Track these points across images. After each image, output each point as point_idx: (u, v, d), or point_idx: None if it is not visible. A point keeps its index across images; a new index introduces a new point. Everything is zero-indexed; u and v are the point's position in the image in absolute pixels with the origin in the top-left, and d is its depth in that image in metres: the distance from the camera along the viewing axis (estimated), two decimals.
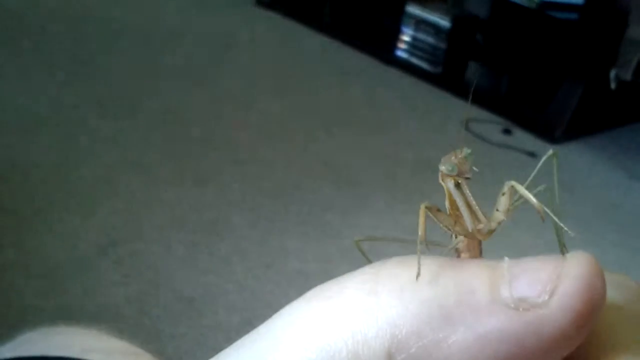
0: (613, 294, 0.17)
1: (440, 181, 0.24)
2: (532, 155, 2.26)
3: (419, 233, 0.21)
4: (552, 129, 2.43)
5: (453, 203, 0.24)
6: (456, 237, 0.25)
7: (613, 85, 2.38)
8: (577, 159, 2.35)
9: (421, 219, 0.23)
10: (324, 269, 1.52)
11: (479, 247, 0.25)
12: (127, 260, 1.48)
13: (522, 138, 2.40)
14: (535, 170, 0.25)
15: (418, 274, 0.17)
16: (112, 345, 0.51)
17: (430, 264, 0.17)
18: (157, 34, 2.70)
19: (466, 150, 0.24)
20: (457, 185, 0.24)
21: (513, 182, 0.23)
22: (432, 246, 0.22)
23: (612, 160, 2.42)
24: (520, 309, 0.15)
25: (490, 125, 2.43)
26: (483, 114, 2.46)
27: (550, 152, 0.26)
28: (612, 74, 2.37)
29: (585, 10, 2.35)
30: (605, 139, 2.57)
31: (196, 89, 2.33)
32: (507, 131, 2.44)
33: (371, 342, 0.16)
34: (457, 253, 0.25)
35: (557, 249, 0.24)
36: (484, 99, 2.49)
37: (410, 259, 0.18)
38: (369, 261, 0.22)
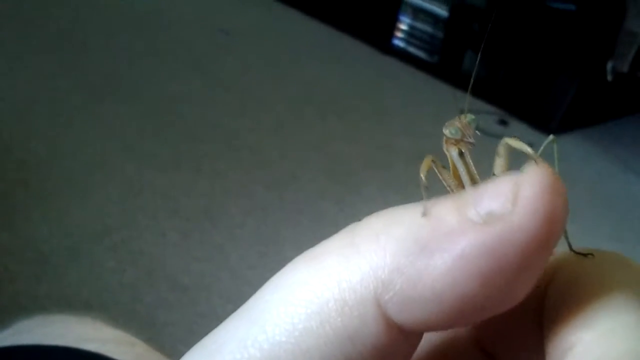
0: (608, 269, 0.18)
1: (444, 149, 0.25)
2: (529, 145, 2.27)
3: (421, 177, 0.22)
4: (548, 120, 2.43)
5: (455, 173, 0.24)
6: None
7: (610, 77, 2.38)
8: (573, 151, 2.36)
9: (424, 166, 0.23)
10: None
11: None
12: (121, 248, 1.47)
13: (518, 129, 2.40)
14: (538, 153, 0.26)
15: (424, 214, 0.18)
16: (106, 335, 0.51)
17: (402, 210, 0.18)
18: (154, 20, 2.68)
19: (470, 116, 0.25)
20: (460, 154, 0.24)
21: (507, 139, 0.23)
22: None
23: (608, 152, 2.42)
24: (490, 223, 0.16)
25: (486, 116, 2.43)
26: (479, 104, 2.46)
27: (551, 137, 0.27)
28: (609, 65, 2.36)
29: (583, 1, 2.35)
30: (601, 130, 2.58)
31: (192, 76, 2.32)
32: (503, 122, 2.44)
33: (357, 287, 0.16)
34: None
35: None
36: (480, 90, 2.49)
37: (383, 212, 0.18)
38: None
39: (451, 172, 0.25)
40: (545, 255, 0.16)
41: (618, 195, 2.18)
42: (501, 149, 0.24)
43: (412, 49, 2.75)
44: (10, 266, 1.37)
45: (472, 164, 0.24)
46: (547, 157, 0.27)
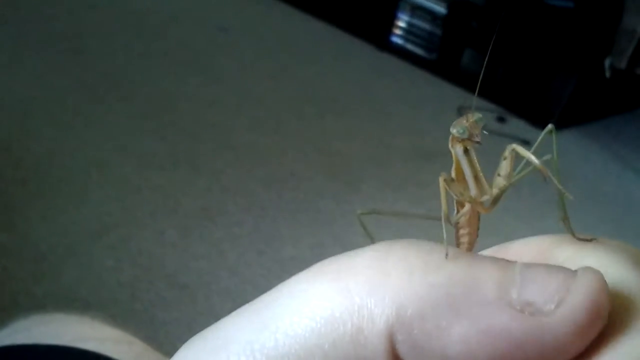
0: (615, 258, 0.18)
1: (450, 147, 0.25)
2: (527, 143, 2.27)
3: (442, 207, 0.22)
4: (546, 117, 2.43)
5: (459, 171, 0.25)
6: (458, 212, 0.26)
7: (608, 74, 2.38)
8: (571, 148, 2.36)
9: (442, 193, 0.23)
10: (317, 255, 1.52)
11: (477, 223, 0.25)
12: (120, 246, 1.47)
13: (516, 126, 2.40)
14: (537, 143, 0.26)
15: (447, 255, 0.17)
16: (105, 334, 0.51)
17: (442, 251, 0.17)
18: (151, 19, 2.68)
19: (477, 115, 0.25)
20: (466, 152, 0.25)
21: (514, 145, 0.24)
22: (432, 220, 0.22)
23: (606, 149, 2.42)
24: (526, 313, 0.15)
25: (484, 113, 2.42)
26: (477, 101, 2.46)
27: (550, 126, 0.27)
28: (607, 62, 2.36)
29: None
30: (599, 127, 2.58)
31: (190, 75, 2.32)
32: (501, 119, 2.43)
33: (376, 319, 0.16)
34: (457, 228, 0.26)
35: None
36: (478, 87, 2.48)
37: (422, 242, 0.18)
38: (370, 237, 0.22)
39: (454, 169, 0.25)
40: (568, 356, 0.16)
41: (616, 192, 2.18)
42: (507, 153, 0.24)
43: (410, 46, 2.75)
44: (8, 265, 1.37)
45: (476, 161, 0.24)
46: (545, 147, 0.27)
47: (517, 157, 0.25)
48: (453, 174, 0.25)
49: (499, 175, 0.24)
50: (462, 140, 0.25)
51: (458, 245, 0.27)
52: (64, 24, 2.45)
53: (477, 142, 0.24)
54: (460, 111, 2.37)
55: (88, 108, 1.98)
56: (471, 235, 0.26)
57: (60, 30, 2.40)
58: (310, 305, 0.17)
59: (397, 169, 2.01)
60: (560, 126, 2.44)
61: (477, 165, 0.24)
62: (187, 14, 2.82)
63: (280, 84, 2.41)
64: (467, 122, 0.25)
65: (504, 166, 0.24)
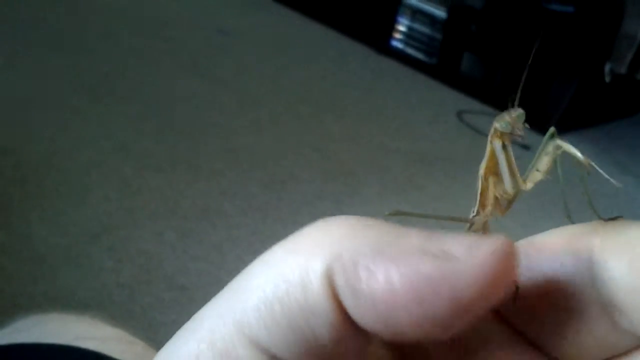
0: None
1: (489, 141, 0.26)
2: (526, 147, 2.26)
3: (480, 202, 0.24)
4: (546, 121, 2.42)
5: (492, 164, 0.26)
6: (478, 214, 0.26)
7: (607, 79, 2.38)
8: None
9: (481, 188, 0.25)
10: None
11: (488, 225, 0.27)
12: (119, 247, 1.47)
13: None
14: (541, 148, 0.27)
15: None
16: (105, 333, 0.51)
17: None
18: (151, 21, 2.68)
19: (519, 110, 0.27)
20: (504, 147, 0.26)
21: (558, 141, 0.25)
22: (458, 222, 0.23)
23: (606, 154, 2.43)
24: (442, 259, 0.18)
25: (484, 116, 2.43)
26: (476, 105, 2.46)
27: (551, 129, 0.28)
28: (607, 67, 2.37)
29: (582, 3, 2.35)
30: (599, 132, 2.58)
31: (190, 76, 2.32)
32: None
33: (317, 267, 0.18)
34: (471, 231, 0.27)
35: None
36: (478, 91, 2.49)
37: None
38: None
39: (486, 165, 0.26)
40: (478, 308, 0.18)
41: (616, 197, 2.18)
42: (551, 149, 0.25)
43: (410, 50, 2.75)
44: (7, 266, 1.37)
45: (513, 157, 0.26)
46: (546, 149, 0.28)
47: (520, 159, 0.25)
48: (481, 171, 0.27)
49: (537, 170, 0.26)
50: (502, 135, 0.26)
51: None
52: (63, 25, 2.46)
53: (520, 137, 0.26)
54: (460, 115, 2.37)
55: (87, 109, 1.98)
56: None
57: (60, 30, 2.40)
58: (270, 268, 0.19)
59: (397, 172, 2.01)
60: (559, 131, 2.43)
61: (514, 160, 0.26)
62: (186, 16, 2.82)
63: (279, 87, 2.41)
64: (510, 117, 0.26)
65: (545, 161, 0.25)
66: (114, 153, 1.80)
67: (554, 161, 0.25)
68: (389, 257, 0.18)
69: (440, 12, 2.64)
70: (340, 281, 0.18)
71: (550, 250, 0.21)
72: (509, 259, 0.18)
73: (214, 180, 1.77)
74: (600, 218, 0.22)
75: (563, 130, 2.48)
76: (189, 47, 2.56)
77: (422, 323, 0.18)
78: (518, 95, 0.28)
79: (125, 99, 2.07)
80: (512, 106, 0.27)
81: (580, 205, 0.24)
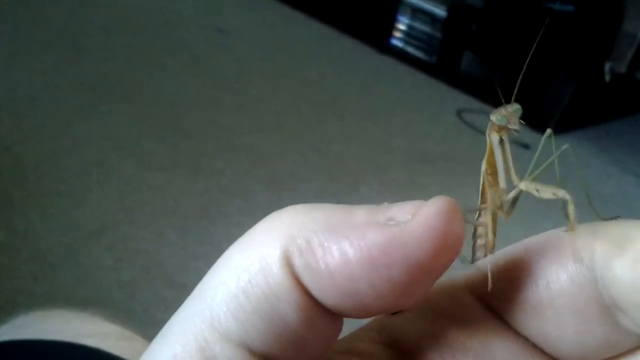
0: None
1: (487, 136, 0.27)
2: (526, 146, 2.27)
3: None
4: (546, 120, 2.43)
5: (491, 159, 0.26)
6: (480, 215, 0.27)
7: (607, 78, 2.38)
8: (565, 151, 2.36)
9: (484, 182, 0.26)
10: None
11: (495, 227, 0.27)
12: (119, 246, 1.47)
13: None
14: (539, 149, 0.28)
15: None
16: (106, 330, 0.51)
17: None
18: (153, 19, 2.68)
19: (515, 105, 0.27)
20: (501, 142, 0.26)
21: (567, 196, 0.25)
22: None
23: (605, 154, 2.43)
24: (389, 225, 0.19)
25: (484, 115, 2.43)
26: (476, 104, 2.46)
27: (548, 131, 0.29)
28: (607, 66, 2.37)
29: (582, 2, 2.35)
30: (598, 132, 2.58)
31: (190, 76, 2.32)
32: None
33: (273, 252, 0.19)
34: (474, 239, 0.27)
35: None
36: (478, 90, 2.49)
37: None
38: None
39: (486, 158, 0.27)
40: (430, 268, 0.19)
41: (616, 196, 2.18)
42: (559, 193, 0.25)
43: (410, 49, 2.75)
44: (7, 264, 1.37)
45: (509, 152, 0.26)
46: (546, 151, 0.28)
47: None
48: (484, 167, 0.27)
49: (536, 190, 0.26)
50: (499, 130, 0.26)
51: (475, 252, 0.27)
52: (64, 24, 2.45)
53: (515, 131, 0.27)
54: (460, 114, 2.37)
55: (88, 108, 1.98)
56: (490, 240, 0.26)
57: (61, 30, 2.40)
58: (231, 264, 0.20)
59: (397, 171, 2.01)
60: (559, 130, 2.44)
61: (510, 156, 0.26)
62: (186, 16, 2.82)
63: (280, 85, 2.41)
64: (506, 111, 0.27)
65: (546, 190, 0.26)
66: (115, 152, 1.80)
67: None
68: (340, 233, 0.19)
69: (440, 11, 2.64)
70: (298, 263, 0.19)
71: (551, 251, 0.21)
72: (451, 215, 0.19)
73: (214, 179, 1.77)
74: (600, 218, 0.22)
75: (563, 130, 2.49)
76: (189, 46, 2.56)
77: (382, 291, 0.19)
78: (515, 91, 0.28)
79: (125, 98, 2.07)
80: (509, 101, 0.27)
81: (578, 206, 0.24)
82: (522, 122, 0.27)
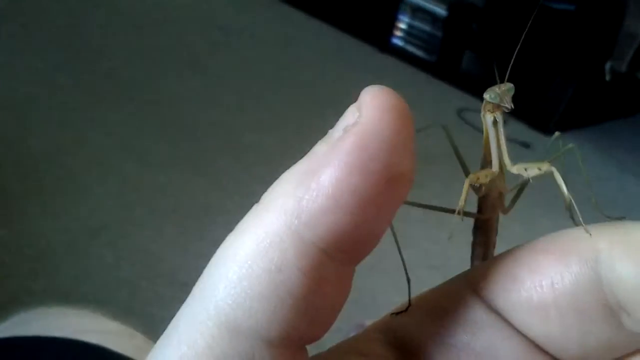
0: None
1: (482, 116, 0.27)
2: (526, 146, 2.27)
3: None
4: (546, 120, 2.43)
5: (487, 140, 0.27)
6: (480, 210, 0.27)
7: (608, 77, 2.38)
8: (571, 151, 2.35)
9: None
10: None
11: (495, 225, 0.27)
12: (119, 244, 1.48)
13: (516, 128, 2.40)
14: (554, 156, 0.28)
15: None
16: (106, 327, 0.51)
17: None
18: (153, 18, 2.68)
19: (509, 85, 0.27)
20: (495, 123, 0.26)
21: (554, 170, 0.25)
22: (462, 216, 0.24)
23: (605, 153, 2.43)
24: (347, 131, 0.20)
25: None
26: (477, 103, 2.46)
27: (556, 134, 0.29)
28: (608, 66, 2.37)
29: (583, 1, 2.35)
30: (598, 131, 2.58)
31: (191, 74, 2.32)
32: None
33: (276, 224, 0.20)
34: (475, 236, 0.27)
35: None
36: (478, 89, 2.49)
37: None
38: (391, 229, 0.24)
39: (483, 142, 0.27)
40: (399, 158, 0.20)
41: (616, 196, 2.18)
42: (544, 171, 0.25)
43: (410, 48, 2.75)
44: (7, 261, 1.37)
45: (503, 133, 0.26)
46: (553, 153, 0.28)
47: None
48: (483, 150, 0.27)
49: (535, 165, 0.26)
50: (493, 108, 0.27)
51: (474, 251, 0.27)
52: (65, 23, 2.45)
53: (507, 109, 0.27)
54: (460, 113, 2.37)
55: (88, 106, 1.98)
56: (490, 238, 0.26)
57: (61, 29, 2.40)
58: (229, 252, 0.21)
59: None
60: (559, 129, 2.43)
61: (503, 137, 0.27)
62: (187, 14, 2.82)
63: (280, 84, 2.41)
64: (500, 89, 0.27)
65: (542, 166, 0.26)
66: (115, 150, 1.80)
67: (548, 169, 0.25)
68: (317, 168, 0.20)
69: (440, 10, 2.64)
70: (295, 224, 0.19)
71: (555, 252, 0.21)
72: (389, 93, 0.20)
73: (215, 177, 1.77)
74: (606, 217, 0.22)
75: (563, 129, 2.48)
76: (190, 44, 2.56)
77: (358, 206, 0.19)
78: (508, 71, 0.29)
79: (126, 97, 2.07)
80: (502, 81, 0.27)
81: (580, 205, 0.24)
82: (513, 106, 0.27)
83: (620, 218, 0.22)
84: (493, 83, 0.27)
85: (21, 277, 1.34)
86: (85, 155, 1.75)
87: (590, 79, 2.41)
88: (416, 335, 0.22)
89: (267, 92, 2.33)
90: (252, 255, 0.20)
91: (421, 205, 0.28)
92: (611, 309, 0.19)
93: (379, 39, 2.81)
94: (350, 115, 0.21)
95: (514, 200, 0.27)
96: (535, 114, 2.45)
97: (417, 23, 2.72)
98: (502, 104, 0.27)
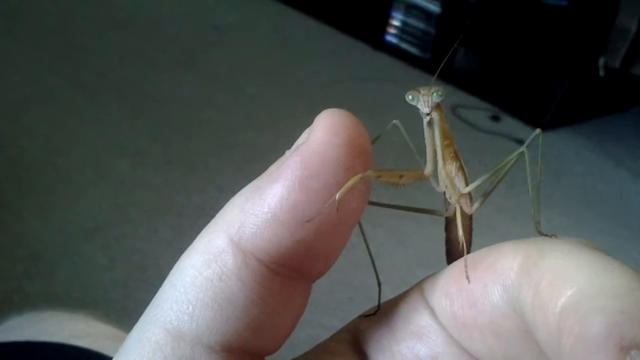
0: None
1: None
2: (520, 142, 2.27)
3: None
4: (540, 115, 2.43)
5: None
6: (448, 209, 0.26)
7: (601, 73, 2.39)
8: (564, 147, 2.36)
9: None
10: None
11: (464, 223, 0.26)
12: (114, 244, 1.47)
13: (510, 125, 2.40)
14: (532, 144, 0.27)
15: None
16: (98, 331, 0.51)
17: None
18: (145, 17, 2.67)
19: (436, 88, 0.27)
20: (429, 124, 0.26)
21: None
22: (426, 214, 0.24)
23: (599, 148, 2.43)
24: (297, 149, 0.20)
25: (478, 111, 2.43)
26: (471, 100, 2.46)
27: (537, 131, 0.28)
28: (601, 61, 2.37)
29: None
30: (592, 126, 2.58)
31: (184, 73, 2.32)
32: (495, 118, 2.44)
33: (224, 243, 0.21)
34: (446, 232, 0.26)
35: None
36: (473, 85, 2.49)
37: None
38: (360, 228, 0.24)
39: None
40: (350, 165, 0.21)
41: (609, 190, 2.19)
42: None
43: (404, 45, 2.75)
44: (1, 263, 1.36)
45: (438, 136, 0.26)
46: (549, 152, 0.28)
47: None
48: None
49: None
50: (421, 112, 0.26)
51: (449, 246, 0.27)
52: (58, 22, 2.44)
53: (424, 113, 0.26)
54: (454, 110, 2.37)
55: (82, 106, 1.97)
56: (458, 236, 0.26)
57: (54, 28, 2.39)
58: (181, 265, 0.22)
59: (391, 166, 2.00)
60: (554, 125, 2.45)
61: (438, 140, 0.26)
62: (181, 13, 2.81)
63: (274, 82, 2.40)
64: (422, 92, 0.26)
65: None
66: (109, 150, 1.79)
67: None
68: (257, 196, 0.20)
69: (434, 7, 2.64)
70: (237, 236, 0.20)
71: (480, 269, 0.20)
72: (340, 113, 0.21)
73: (209, 177, 1.77)
74: (539, 232, 0.22)
75: (557, 124, 2.49)
76: (183, 43, 2.55)
77: (296, 222, 0.20)
78: (444, 60, 0.28)
79: (120, 97, 2.07)
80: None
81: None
82: (444, 112, 0.26)
83: (551, 236, 0.22)
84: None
85: (16, 279, 1.33)
86: (78, 156, 1.75)
87: (583, 74, 2.41)
88: (370, 339, 0.23)
89: (261, 90, 2.33)
90: (199, 266, 0.21)
91: (385, 205, 0.28)
92: (529, 332, 0.19)
93: (373, 36, 2.80)
94: (303, 136, 0.21)
95: (482, 201, 0.26)
96: (530, 110, 2.45)
97: (410, 20, 2.71)
98: (419, 107, 0.26)
